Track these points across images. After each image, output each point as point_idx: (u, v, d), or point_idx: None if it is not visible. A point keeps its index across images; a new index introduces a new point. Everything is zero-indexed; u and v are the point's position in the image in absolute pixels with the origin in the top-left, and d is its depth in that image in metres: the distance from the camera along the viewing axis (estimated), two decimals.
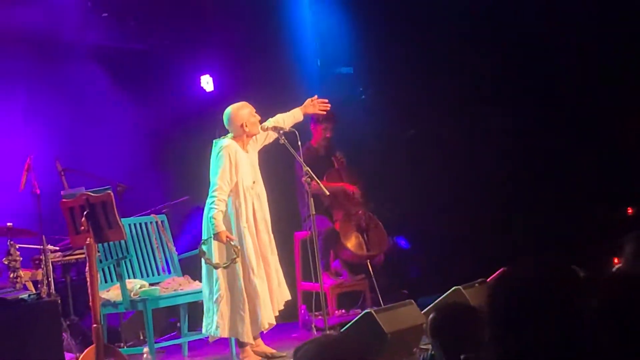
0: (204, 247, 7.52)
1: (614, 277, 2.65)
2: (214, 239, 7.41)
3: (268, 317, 7.50)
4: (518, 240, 9.78)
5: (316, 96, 8.09)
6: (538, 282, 2.38)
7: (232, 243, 7.36)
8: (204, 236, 7.57)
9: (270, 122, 7.73)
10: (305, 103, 8.05)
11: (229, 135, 7.68)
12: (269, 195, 7.82)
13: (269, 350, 7.68)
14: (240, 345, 7.61)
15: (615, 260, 6.50)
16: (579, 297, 2.35)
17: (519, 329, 2.33)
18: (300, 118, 8.06)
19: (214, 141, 7.71)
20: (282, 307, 7.77)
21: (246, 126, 7.61)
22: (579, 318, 2.31)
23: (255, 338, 7.65)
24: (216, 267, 7.45)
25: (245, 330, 7.45)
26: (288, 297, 7.81)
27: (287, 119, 7.87)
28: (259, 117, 7.69)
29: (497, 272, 2.79)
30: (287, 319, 8.38)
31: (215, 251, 7.47)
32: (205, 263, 7.52)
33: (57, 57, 9.86)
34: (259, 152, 7.87)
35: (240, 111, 7.66)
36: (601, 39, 9.83)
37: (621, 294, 2.48)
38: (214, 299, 7.49)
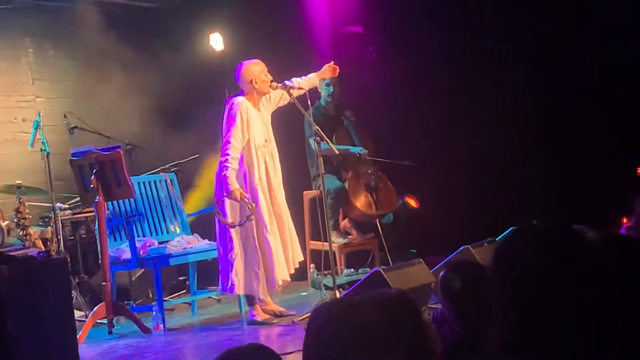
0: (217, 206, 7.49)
1: (619, 238, 2.63)
2: (228, 198, 7.37)
3: (282, 274, 7.51)
4: (528, 200, 9.76)
5: (332, 62, 8.07)
6: (540, 244, 2.36)
7: (247, 200, 7.34)
8: (217, 195, 7.54)
9: (280, 85, 7.68)
10: (323, 68, 8.04)
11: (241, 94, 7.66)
12: (279, 153, 7.80)
13: (277, 308, 7.70)
14: (250, 303, 7.62)
15: (625, 220, 6.49)
16: (583, 258, 2.34)
17: (522, 293, 2.32)
18: (317, 82, 8.06)
19: (226, 99, 7.68)
20: (297, 265, 7.77)
21: (256, 83, 7.56)
22: (582, 279, 2.30)
23: (268, 295, 7.67)
24: (232, 225, 7.43)
25: (260, 286, 7.47)
26: (301, 257, 7.81)
27: (303, 82, 7.84)
28: (270, 77, 7.64)
29: (506, 232, 2.77)
30: (296, 278, 8.39)
31: (228, 210, 7.45)
32: (221, 222, 7.49)
33: (66, 15, 9.83)
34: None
35: (251, 67, 7.63)
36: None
37: (624, 256, 2.47)
38: (229, 256, 7.49)
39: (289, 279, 7.64)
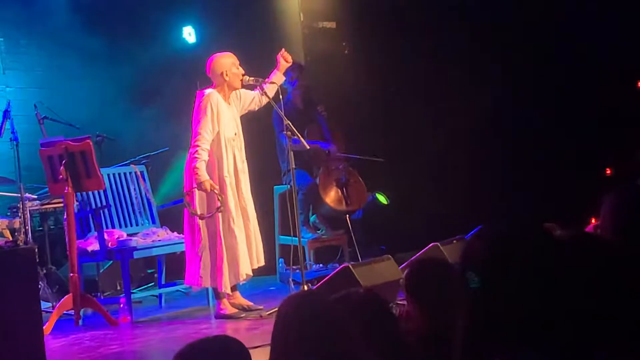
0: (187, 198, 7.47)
1: (587, 236, 2.64)
2: (197, 189, 7.36)
3: (246, 268, 7.50)
4: (498, 198, 9.81)
5: (283, 49, 7.99)
6: (509, 240, 2.37)
7: (216, 192, 7.32)
8: (186, 187, 7.52)
9: (252, 79, 7.65)
10: (279, 62, 7.92)
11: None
12: (249, 148, 7.79)
13: (246, 302, 7.69)
14: (217, 296, 7.61)
15: (593, 220, 6.53)
16: (551, 255, 2.35)
17: (490, 287, 2.33)
18: (282, 78, 7.94)
19: (196, 92, 7.66)
20: (263, 263, 7.72)
21: (226, 75, 7.54)
22: (550, 276, 2.31)
23: (233, 289, 7.65)
24: (201, 217, 7.42)
25: (224, 280, 7.45)
26: (262, 257, 7.72)
27: (274, 78, 7.81)
28: (242, 71, 7.61)
29: (475, 230, 2.78)
30: (265, 273, 8.39)
31: (197, 202, 7.44)
32: (191, 214, 7.48)
33: (37, 5, 9.77)
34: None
35: (222, 59, 7.61)
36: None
37: (587, 254, 2.49)
38: (197, 249, 7.47)
39: (251, 274, 7.61)
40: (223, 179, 7.46)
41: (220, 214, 7.39)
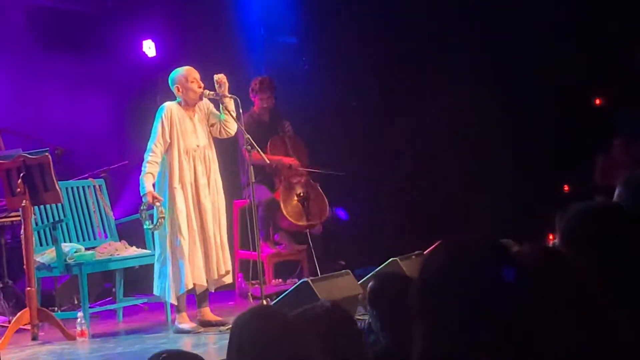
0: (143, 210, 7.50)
1: (544, 251, 2.66)
2: (142, 200, 7.41)
3: (197, 278, 7.44)
4: (457, 214, 9.85)
5: (215, 76, 7.65)
6: (464, 258, 2.38)
7: (157, 204, 7.35)
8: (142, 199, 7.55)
9: (212, 93, 7.61)
10: (216, 89, 7.65)
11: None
12: None
13: (214, 318, 7.65)
14: (177, 310, 7.58)
15: (551, 237, 6.57)
16: (507, 272, 2.36)
17: (444, 306, 2.34)
18: (229, 102, 7.62)
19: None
20: (223, 273, 7.63)
21: (178, 90, 7.56)
22: (505, 292, 2.32)
23: (201, 304, 7.64)
24: (151, 229, 7.48)
25: (170, 289, 7.45)
26: (226, 268, 7.66)
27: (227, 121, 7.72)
28: (199, 85, 7.57)
29: (433, 245, 2.79)
30: (224, 287, 8.36)
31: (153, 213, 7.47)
32: (144, 226, 7.56)
33: None
34: None
35: (177, 74, 7.62)
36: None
37: (548, 267, 2.50)
38: (156, 259, 7.52)
39: (205, 284, 7.55)
40: (172, 189, 7.48)
41: (169, 225, 7.41)
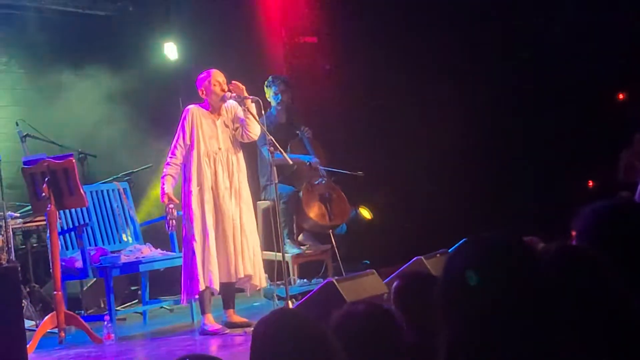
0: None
1: (569, 249, 2.66)
2: (162, 202, 7.51)
3: (211, 281, 7.41)
4: (482, 212, 9.83)
5: (230, 83, 7.66)
6: (489, 256, 2.38)
7: (171, 206, 7.41)
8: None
9: (234, 95, 7.62)
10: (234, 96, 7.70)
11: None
12: None
13: (239, 319, 7.66)
14: (202, 312, 7.60)
15: (574, 233, 6.55)
16: (531, 271, 2.35)
17: (470, 304, 2.33)
18: (250, 106, 7.62)
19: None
20: (241, 276, 7.59)
21: (203, 92, 7.61)
22: (531, 291, 2.32)
23: (227, 307, 7.68)
24: (170, 231, 7.67)
25: (182, 291, 7.49)
26: (245, 272, 7.61)
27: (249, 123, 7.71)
28: (222, 88, 7.58)
29: (458, 244, 2.79)
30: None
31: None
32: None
33: (19, 21, 9.76)
34: None
35: (202, 76, 7.68)
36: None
37: (574, 266, 2.50)
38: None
39: (217, 289, 7.51)
40: (189, 192, 7.51)
41: (187, 229, 7.44)
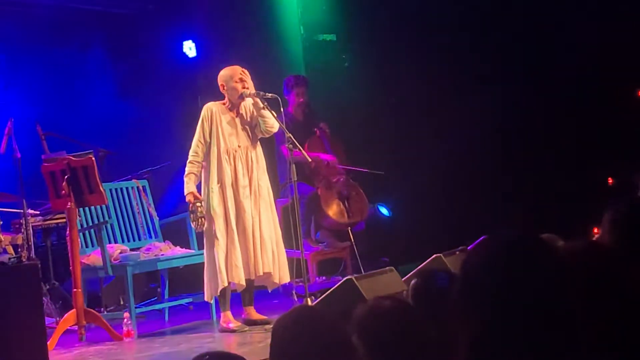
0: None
1: (589, 247, 2.65)
2: (186, 200, 7.47)
3: (234, 277, 7.41)
4: (501, 209, 9.81)
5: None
6: (508, 254, 2.37)
7: (198, 204, 7.38)
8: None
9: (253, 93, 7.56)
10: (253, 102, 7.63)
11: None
12: None
13: (259, 317, 7.65)
14: (222, 309, 7.59)
15: (595, 230, 6.53)
16: (552, 269, 2.35)
17: (489, 301, 2.33)
18: (258, 104, 7.54)
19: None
20: (260, 273, 7.56)
21: (223, 88, 7.58)
22: (551, 288, 2.31)
23: (246, 304, 7.66)
24: (195, 229, 7.57)
25: (206, 289, 7.48)
26: (264, 269, 7.59)
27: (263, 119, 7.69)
28: (242, 85, 7.54)
29: (477, 241, 2.79)
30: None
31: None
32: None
33: (38, 20, 9.80)
34: None
35: (223, 72, 7.62)
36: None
37: (594, 264, 2.49)
38: None
39: (244, 284, 7.51)
40: (209, 190, 7.50)
41: (209, 227, 7.43)
